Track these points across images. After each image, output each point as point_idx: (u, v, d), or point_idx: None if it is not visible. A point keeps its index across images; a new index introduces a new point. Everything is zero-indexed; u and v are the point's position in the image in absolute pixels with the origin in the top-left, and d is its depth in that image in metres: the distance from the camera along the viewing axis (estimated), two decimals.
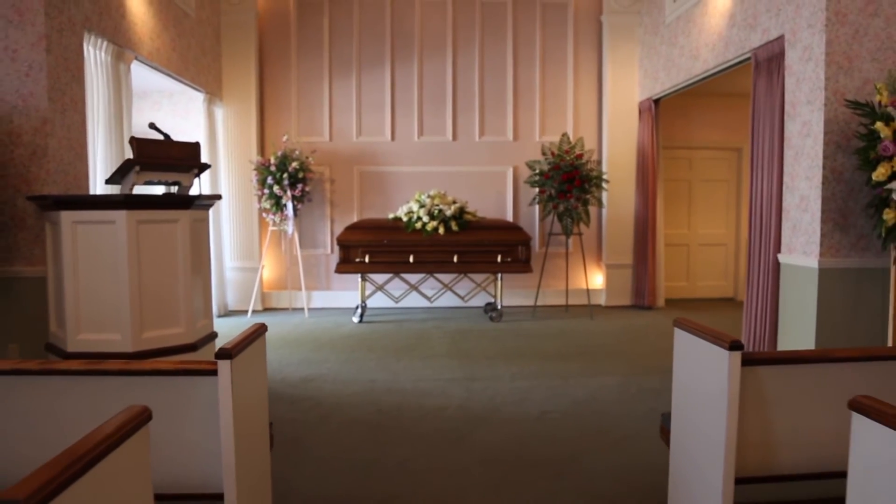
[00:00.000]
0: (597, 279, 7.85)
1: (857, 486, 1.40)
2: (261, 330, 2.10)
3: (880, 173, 3.78)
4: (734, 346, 1.86)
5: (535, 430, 3.57)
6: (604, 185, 7.30)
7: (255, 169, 7.06)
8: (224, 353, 1.74)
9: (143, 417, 1.20)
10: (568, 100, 7.77)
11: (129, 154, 4.77)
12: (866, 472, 1.36)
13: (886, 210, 3.82)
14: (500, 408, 3.95)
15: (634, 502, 2.70)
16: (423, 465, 3.11)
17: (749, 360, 1.89)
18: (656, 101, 7.30)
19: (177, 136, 6.78)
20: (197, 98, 6.86)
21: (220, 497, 1.86)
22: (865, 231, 4.24)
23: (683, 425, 2.20)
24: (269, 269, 7.56)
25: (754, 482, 2.04)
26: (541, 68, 7.72)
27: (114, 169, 4.62)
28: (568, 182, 6.82)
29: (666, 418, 2.37)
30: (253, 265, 7.37)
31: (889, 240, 3.90)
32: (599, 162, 7.72)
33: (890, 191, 3.80)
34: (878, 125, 3.78)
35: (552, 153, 7.02)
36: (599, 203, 7.25)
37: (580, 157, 6.93)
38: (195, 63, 6.38)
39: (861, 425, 1.37)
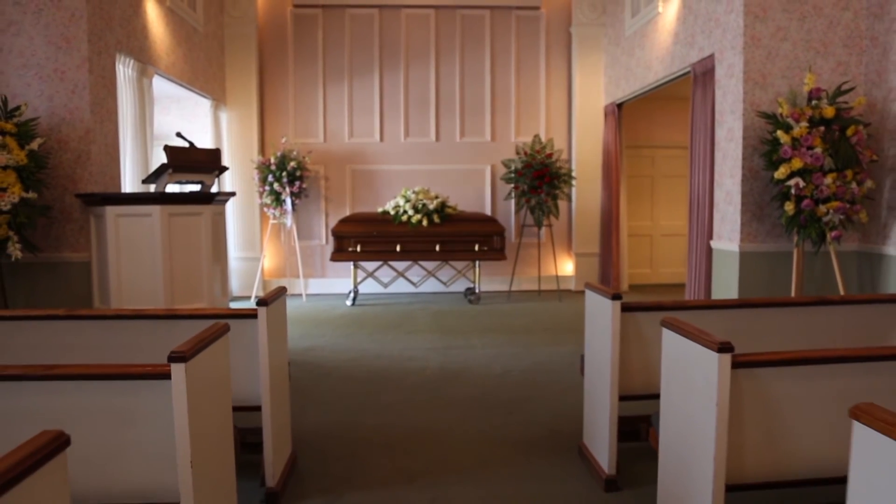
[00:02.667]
0: (567, 266, 8.66)
1: (666, 379, 2.20)
2: (283, 290, 2.87)
3: (781, 172, 4.59)
4: (615, 297, 2.66)
5: (497, 384, 4.38)
6: (572, 181, 8.11)
7: (256, 168, 7.81)
8: (262, 302, 2.52)
9: (224, 328, 1.98)
10: (540, 104, 8.57)
11: (154, 156, 5.54)
12: (671, 365, 2.16)
13: (787, 203, 4.64)
14: (470, 368, 4.76)
15: (564, 427, 3.51)
16: (405, 406, 3.91)
17: (627, 308, 2.69)
18: (619, 106, 8.10)
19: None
20: (203, 104, 7.59)
21: (258, 408, 2.64)
22: (776, 221, 5.05)
23: (590, 359, 3.01)
24: (269, 259, 8.32)
25: (637, 399, 2.84)
26: (516, 75, 8.51)
27: (139, 169, 5.38)
28: (539, 179, 7.62)
29: (582, 358, 3.17)
30: (255, 255, 8.12)
31: (790, 227, 4.73)
32: (569, 160, 8.52)
33: (789, 187, 4.61)
34: (779, 133, 4.59)
35: (525, 153, 7.82)
36: (568, 198, 8.06)
37: (550, 156, 7.72)
38: (203, 73, 7.12)
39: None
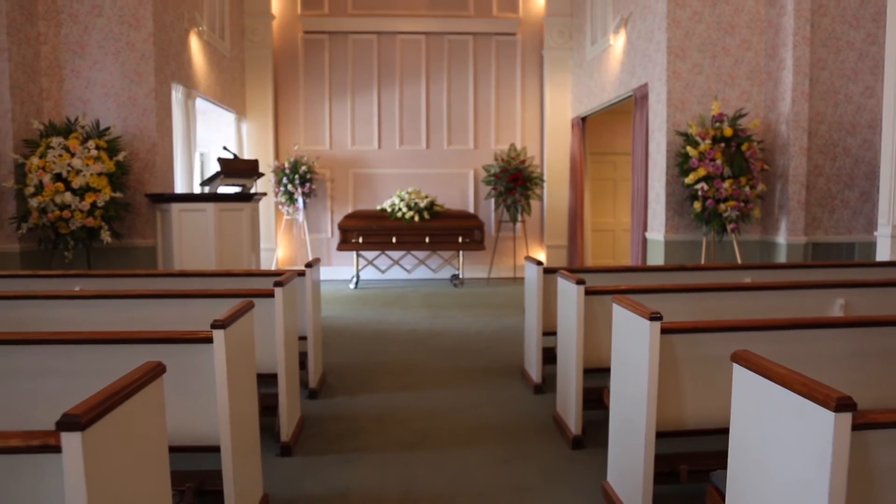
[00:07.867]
0: (539, 257, 10.02)
1: (559, 305, 3.55)
2: (318, 260, 4.20)
3: (690, 178, 5.96)
4: (539, 263, 4.00)
5: (471, 339, 5.73)
6: (543, 183, 9.47)
7: (272, 171, 9.13)
8: (308, 265, 3.85)
9: (296, 274, 3.30)
10: (516, 116, 9.94)
11: (200, 164, 6.85)
12: (561, 297, 3.51)
13: (696, 202, 6.01)
14: (451, 329, 6.11)
15: (515, 362, 4.86)
16: (401, 352, 5.25)
17: (547, 270, 4.04)
18: (584, 119, 9.45)
19: (210, 146, 8.92)
20: (225, 115, 8.88)
21: (305, 338, 3.96)
22: (691, 216, 6.41)
23: (526, 308, 4.36)
24: (283, 250, 9.64)
25: (555, 334, 4.18)
26: (495, 92, 9.87)
27: (186, 172, 6.69)
28: (514, 181, 8.98)
29: (523, 310, 4.52)
30: (270, 246, 9.44)
31: (699, 221, 6.10)
32: (541, 165, 9.89)
33: (696, 190, 5.97)
34: (689, 148, 5.96)
35: (502, 159, 9.17)
36: (539, 198, 9.42)
37: (523, 162, 9.08)
38: (229, 91, 8.44)
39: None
